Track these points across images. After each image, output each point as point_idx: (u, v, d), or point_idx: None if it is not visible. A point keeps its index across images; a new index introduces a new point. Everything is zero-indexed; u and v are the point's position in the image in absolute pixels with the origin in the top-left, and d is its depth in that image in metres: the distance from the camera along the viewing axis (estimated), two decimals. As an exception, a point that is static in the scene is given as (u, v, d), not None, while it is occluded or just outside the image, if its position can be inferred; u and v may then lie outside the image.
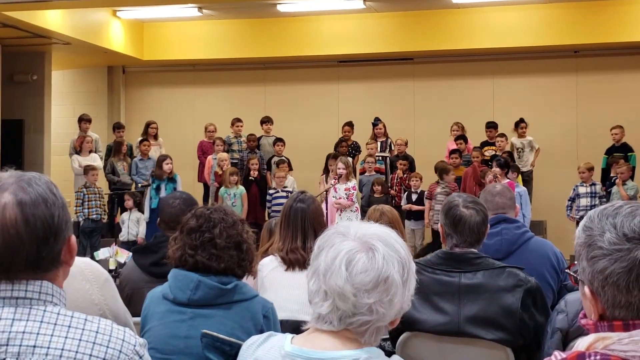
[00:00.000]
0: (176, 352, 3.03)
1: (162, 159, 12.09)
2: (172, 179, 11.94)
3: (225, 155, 12.97)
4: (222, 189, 12.23)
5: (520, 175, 12.45)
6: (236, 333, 2.96)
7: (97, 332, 1.79)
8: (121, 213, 12.57)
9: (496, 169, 11.42)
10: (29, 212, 1.78)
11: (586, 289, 1.64)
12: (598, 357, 1.51)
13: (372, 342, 1.81)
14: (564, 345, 3.25)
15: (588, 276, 1.63)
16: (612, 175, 11.98)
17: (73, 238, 1.89)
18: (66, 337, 1.76)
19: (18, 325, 1.75)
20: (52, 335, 1.75)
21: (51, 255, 1.82)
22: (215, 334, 2.69)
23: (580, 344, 1.56)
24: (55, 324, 1.77)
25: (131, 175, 13.11)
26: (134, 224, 11.77)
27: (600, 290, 1.61)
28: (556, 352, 1.59)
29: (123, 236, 11.66)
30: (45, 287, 1.81)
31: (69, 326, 1.78)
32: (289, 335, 1.85)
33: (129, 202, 11.86)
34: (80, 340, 1.76)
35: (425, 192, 12.12)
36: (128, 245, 10.63)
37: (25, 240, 1.77)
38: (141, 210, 11.89)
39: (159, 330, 3.07)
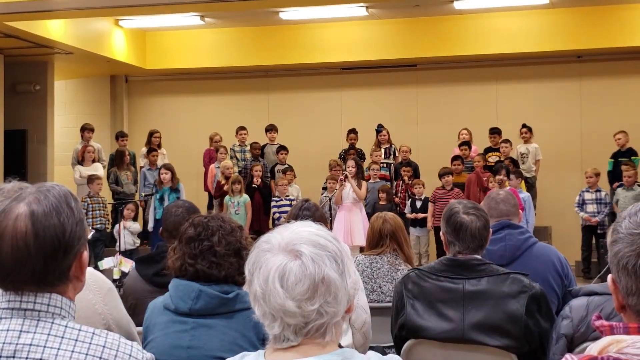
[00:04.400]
0: (179, 362, 3.01)
1: (160, 169, 12.15)
2: (175, 188, 11.91)
3: (229, 163, 12.96)
4: (227, 197, 12.22)
5: (523, 181, 12.42)
6: (238, 342, 2.95)
7: (104, 346, 1.78)
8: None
9: (502, 177, 11.39)
10: (40, 225, 1.77)
11: (609, 277, 1.67)
12: None
13: (336, 338, 1.81)
14: (569, 351, 3.24)
15: (610, 262, 1.67)
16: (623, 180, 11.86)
17: (85, 254, 1.88)
18: (72, 351, 1.75)
19: (25, 337, 1.75)
20: (58, 349, 1.75)
21: (58, 271, 1.81)
22: None
23: (594, 347, 1.56)
24: (62, 337, 1.76)
25: (137, 184, 13.12)
26: (129, 234, 11.75)
27: (616, 277, 1.64)
28: (567, 355, 1.58)
29: (120, 246, 11.56)
30: (54, 300, 1.81)
31: (76, 340, 1.77)
32: (261, 351, 1.83)
33: (130, 213, 11.83)
34: (87, 354, 1.76)
35: (430, 196, 12.14)
36: (125, 255, 10.61)
37: (32, 253, 1.76)
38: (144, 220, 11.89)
39: (162, 341, 3.04)
